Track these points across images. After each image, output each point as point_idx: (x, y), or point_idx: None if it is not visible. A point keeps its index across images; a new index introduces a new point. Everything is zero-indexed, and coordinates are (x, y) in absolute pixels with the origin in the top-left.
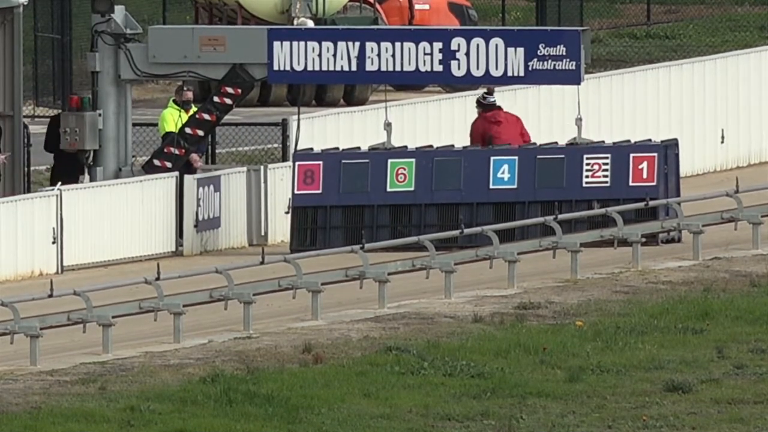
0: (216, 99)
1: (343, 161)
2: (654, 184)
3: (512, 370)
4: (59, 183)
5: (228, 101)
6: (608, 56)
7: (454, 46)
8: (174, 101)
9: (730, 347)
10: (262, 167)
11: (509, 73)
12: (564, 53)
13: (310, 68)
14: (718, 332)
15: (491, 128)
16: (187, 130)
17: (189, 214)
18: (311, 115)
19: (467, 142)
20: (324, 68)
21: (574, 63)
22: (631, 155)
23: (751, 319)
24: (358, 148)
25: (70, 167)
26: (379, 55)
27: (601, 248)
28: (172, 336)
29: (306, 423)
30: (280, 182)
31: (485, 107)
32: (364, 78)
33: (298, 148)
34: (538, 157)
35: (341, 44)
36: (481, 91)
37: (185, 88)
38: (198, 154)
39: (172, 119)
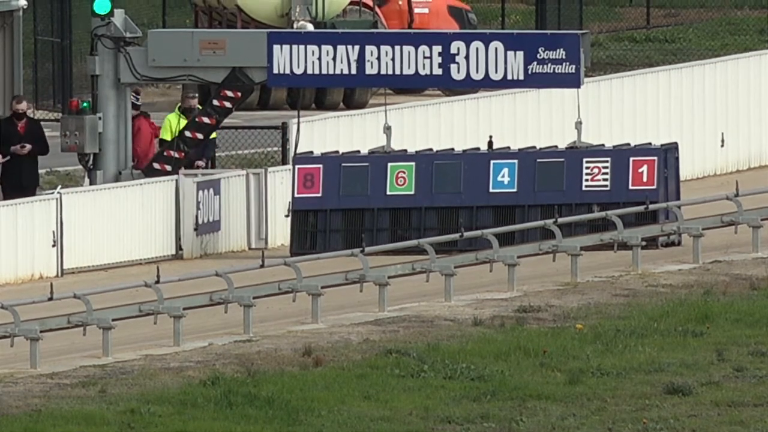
0: (216, 102)
1: (343, 164)
2: (654, 187)
3: (512, 372)
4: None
5: (228, 104)
6: (608, 60)
7: (453, 50)
8: (179, 107)
9: (730, 350)
10: (262, 170)
11: (509, 77)
12: (564, 57)
13: (309, 71)
14: (718, 335)
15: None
16: (187, 133)
17: (189, 217)
18: (311, 119)
19: (467, 145)
20: (324, 71)
21: (573, 66)
22: (631, 159)
23: (751, 322)
24: (358, 151)
25: (15, 178)
26: (378, 58)
27: (601, 251)
28: (172, 339)
29: (306, 425)
30: (280, 185)
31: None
32: (364, 81)
33: (298, 151)
34: (538, 160)
35: (341, 48)
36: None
37: (189, 95)
38: (203, 159)
39: (170, 127)
